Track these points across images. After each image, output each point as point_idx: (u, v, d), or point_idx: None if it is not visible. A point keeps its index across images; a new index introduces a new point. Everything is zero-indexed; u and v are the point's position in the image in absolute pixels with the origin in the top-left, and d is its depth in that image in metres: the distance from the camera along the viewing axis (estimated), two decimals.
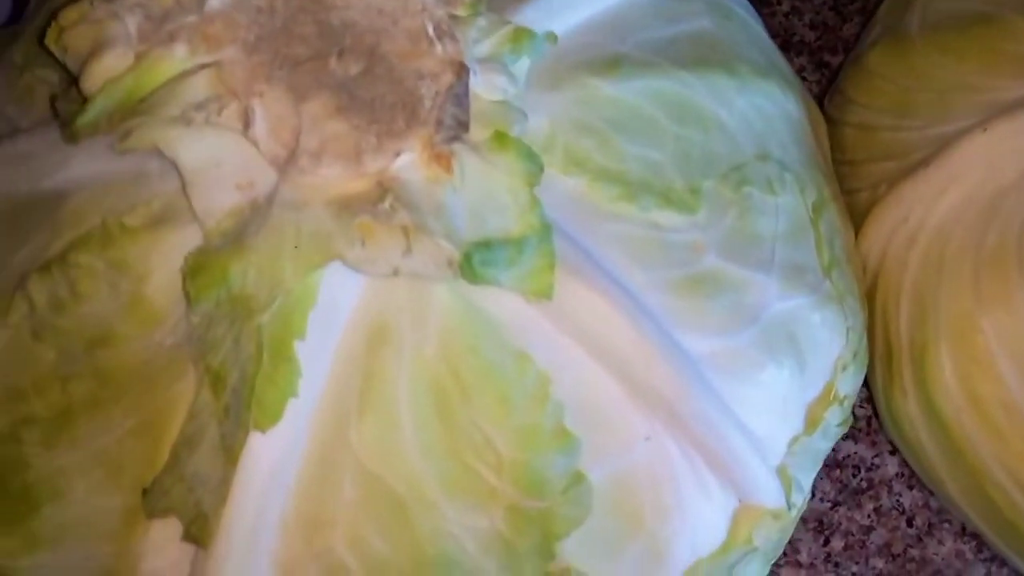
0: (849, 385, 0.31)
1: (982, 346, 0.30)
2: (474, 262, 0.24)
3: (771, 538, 0.30)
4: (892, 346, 0.34)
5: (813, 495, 0.43)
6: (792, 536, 0.41)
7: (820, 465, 0.33)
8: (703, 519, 0.28)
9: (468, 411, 0.25)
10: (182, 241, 0.25)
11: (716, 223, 0.28)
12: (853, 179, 0.37)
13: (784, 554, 0.41)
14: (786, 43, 0.52)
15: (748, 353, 0.28)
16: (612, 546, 0.27)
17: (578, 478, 0.25)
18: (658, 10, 0.31)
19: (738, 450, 0.27)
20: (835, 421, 0.31)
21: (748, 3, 0.36)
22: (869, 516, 0.43)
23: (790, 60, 0.50)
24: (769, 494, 0.28)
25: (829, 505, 0.43)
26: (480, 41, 0.27)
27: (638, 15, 0.31)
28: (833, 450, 0.43)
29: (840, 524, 0.43)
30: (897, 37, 0.37)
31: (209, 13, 0.25)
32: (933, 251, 0.32)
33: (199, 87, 0.25)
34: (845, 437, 0.43)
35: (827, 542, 0.43)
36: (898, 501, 0.43)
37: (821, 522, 0.43)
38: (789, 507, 0.29)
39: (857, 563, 0.42)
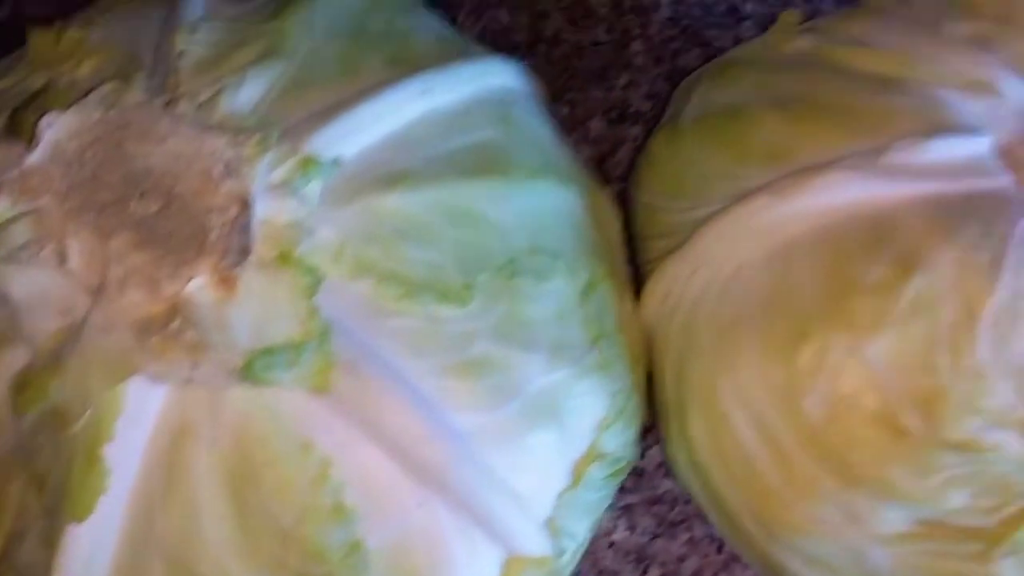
0: (616, 441, 0.37)
1: (721, 407, 0.36)
2: (255, 368, 0.30)
3: None
4: (665, 402, 0.40)
5: (633, 530, 0.49)
6: (613, 568, 0.47)
7: (597, 511, 0.39)
8: (474, 571, 0.34)
9: (258, 494, 0.31)
10: (12, 361, 0.31)
11: (488, 312, 0.34)
12: (643, 252, 0.44)
13: None
14: (623, 115, 0.58)
15: (513, 424, 0.34)
16: None
17: (356, 546, 0.31)
18: (446, 125, 0.37)
19: (502, 509, 0.33)
20: (601, 475, 0.37)
21: (535, 108, 0.42)
22: (683, 546, 0.49)
23: (626, 130, 0.56)
24: (534, 545, 0.35)
25: (648, 538, 0.49)
26: (273, 170, 0.33)
27: (428, 131, 0.36)
28: (653, 487, 0.50)
29: (657, 555, 0.49)
30: (675, 124, 0.43)
31: (27, 169, 0.31)
32: (687, 323, 0.38)
33: (22, 231, 0.31)
34: (666, 475, 0.49)
35: (645, 571, 0.49)
36: (709, 531, 0.49)
37: (640, 554, 0.49)
38: (559, 553, 0.35)
39: None
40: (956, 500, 0.33)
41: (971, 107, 0.38)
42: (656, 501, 0.50)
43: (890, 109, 0.37)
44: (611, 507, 0.49)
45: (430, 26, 0.42)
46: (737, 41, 0.60)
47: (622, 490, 0.50)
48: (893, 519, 0.34)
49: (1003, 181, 0.36)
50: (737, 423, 0.36)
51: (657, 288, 0.40)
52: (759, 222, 0.37)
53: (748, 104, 0.40)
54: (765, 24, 0.60)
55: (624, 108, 0.59)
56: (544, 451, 0.35)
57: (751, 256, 0.37)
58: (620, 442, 0.38)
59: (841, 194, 0.36)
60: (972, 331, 0.33)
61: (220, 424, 0.31)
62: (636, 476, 0.50)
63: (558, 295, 0.36)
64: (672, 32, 0.61)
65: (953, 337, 0.33)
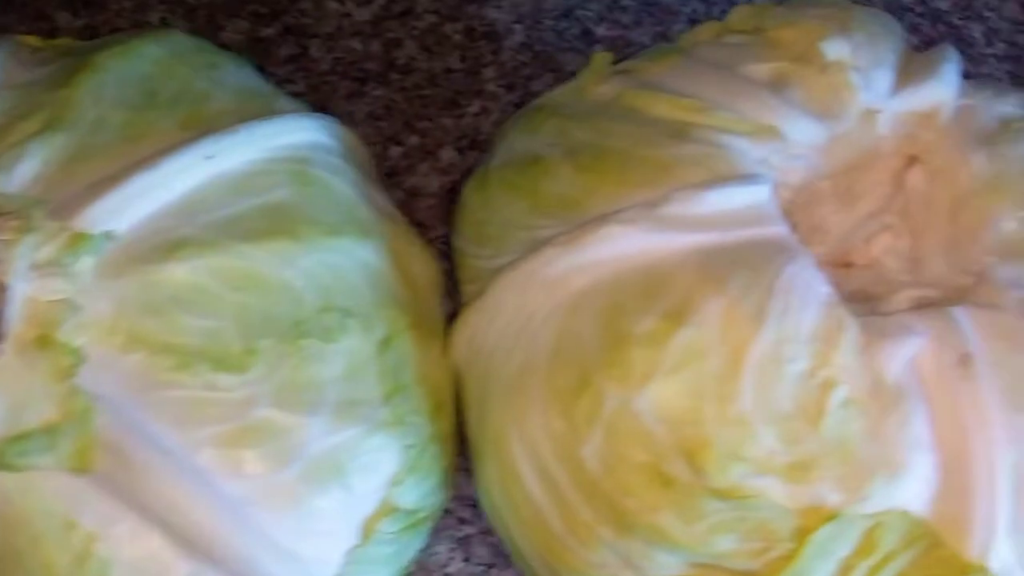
0: (411, 495, 0.38)
1: (510, 455, 0.38)
2: (8, 455, 0.31)
3: None
4: (470, 446, 0.41)
5: (468, 560, 0.50)
6: None
7: (399, 562, 0.40)
8: None
9: (23, 572, 0.32)
10: None
11: (271, 377, 0.35)
12: (462, 295, 0.45)
13: None
14: (474, 142, 0.60)
15: (293, 488, 0.35)
16: None
17: None
18: (235, 187, 0.38)
19: (280, 574, 0.34)
20: (394, 528, 0.38)
21: (341, 163, 0.42)
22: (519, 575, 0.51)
23: (477, 159, 0.57)
24: None
25: (483, 568, 0.50)
26: (40, 249, 0.33)
27: (213, 195, 0.37)
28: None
29: None
30: (484, 169, 0.44)
31: None
32: (484, 371, 0.40)
33: None
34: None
35: None
36: None
37: None
38: None
39: None
40: (723, 544, 0.34)
41: (755, 153, 0.40)
42: (491, 531, 0.51)
43: (674, 158, 0.39)
44: (449, 539, 0.50)
45: (233, 85, 0.42)
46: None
47: (460, 521, 0.51)
48: (667, 563, 0.35)
49: (777, 229, 0.37)
50: (524, 471, 0.37)
51: (461, 335, 0.41)
52: (547, 274, 0.38)
53: (545, 153, 0.42)
54: (617, 47, 0.62)
55: (475, 136, 0.60)
56: (328, 512, 0.36)
57: (540, 307, 0.38)
58: (416, 495, 0.39)
59: (620, 246, 0.37)
60: (737, 380, 0.34)
61: None
62: (472, 508, 0.51)
63: (350, 352, 0.37)
64: (525, 58, 0.62)
65: (719, 387, 0.34)
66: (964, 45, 0.64)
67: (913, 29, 0.64)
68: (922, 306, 0.40)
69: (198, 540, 0.33)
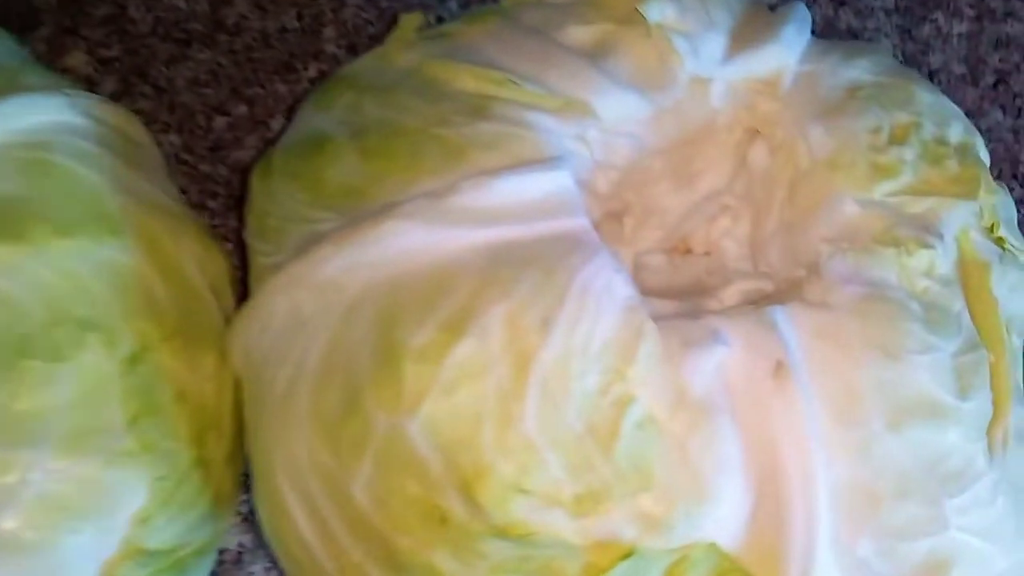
0: (165, 533, 0.34)
1: (277, 484, 0.33)
2: None
3: None
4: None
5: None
6: None
7: None
8: None
9: None
10: None
11: None
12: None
13: None
14: None
15: (14, 536, 0.30)
16: None
17: None
18: None
19: None
20: (142, 572, 0.33)
21: (92, 148, 0.37)
22: None
23: None
24: None
25: None
26: None
27: None
28: None
29: None
30: (269, 153, 0.39)
31: None
32: (255, 387, 0.35)
33: None
34: None
35: None
36: None
37: None
38: None
39: None
40: None
41: (564, 131, 0.35)
42: None
43: (468, 140, 0.34)
44: (263, 559, 0.46)
45: None
46: (440, 21, 0.56)
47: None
48: None
49: (576, 222, 0.33)
50: (292, 506, 0.33)
51: (236, 345, 0.36)
52: (320, 275, 0.34)
53: (333, 133, 0.37)
54: (471, 2, 0.57)
55: None
56: (58, 561, 0.31)
57: (313, 313, 0.34)
58: (172, 532, 0.34)
59: (399, 243, 0.33)
60: (520, 400, 0.30)
61: None
62: None
63: (86, 372, 0.33)
64: (369, 15, 0.57)
65: (500, 408, 0.30)
66: None
67: None
68: (753, 301, 0.36)
69: None
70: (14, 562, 0.31)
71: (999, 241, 0.37)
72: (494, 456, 0.30)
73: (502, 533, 0.30)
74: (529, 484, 0.30)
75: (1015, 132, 0.56)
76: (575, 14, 0.39)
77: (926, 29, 0.60)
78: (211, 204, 0.51)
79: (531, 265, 0.32)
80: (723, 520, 0.31)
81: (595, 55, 0.37)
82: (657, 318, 0.33)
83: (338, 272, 0.33)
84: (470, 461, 0.30)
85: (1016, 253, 0.37)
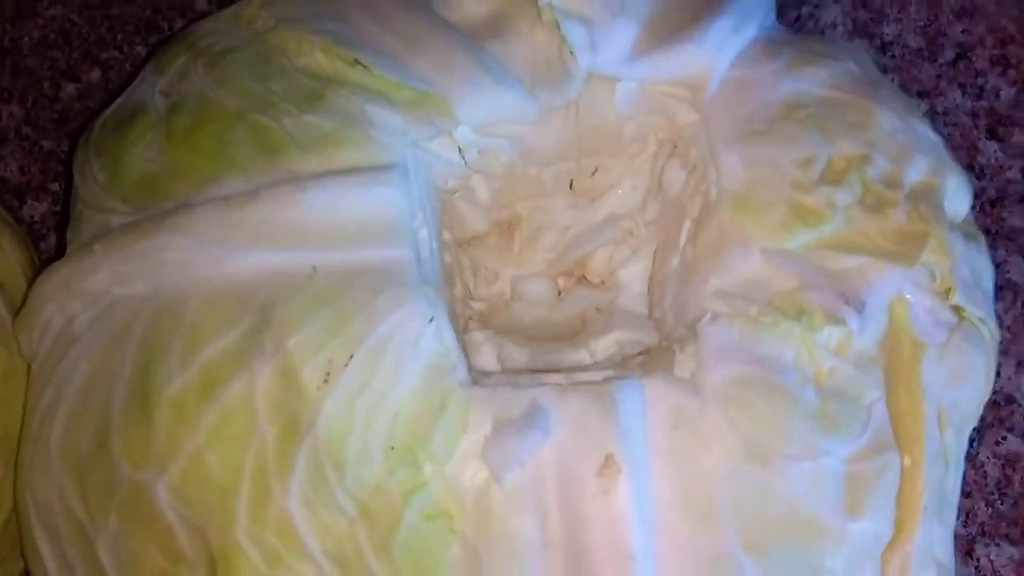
0: None
1: (29, 530, 0.30)
2: None
3: None
4: None
5: None
6: None
7: None
8: None
9: None
10: None
11: None
12: None
13: None
14: None
15: None
16: None
17: None
18: None
19: None
20: None
21: None
22: None
23: None
24: None
25: None
26: None
27: None
28: None
29: None
30: (93, 122, 0.35)
31: None
32: (27, 409, 0.31)
33: None
34: None
35: None
36: None
37: None
38: None
39: None
40: None
41: (409, 132, 0.31)
42: None
43: (289, 134, 0.30)
44: None
45: None
46: None
47: None
48: None
49: (397, 251, 0.29)
50: (42, 545, 0.29)
51: (24, 352, 0.33)
52: (91, 285, 0.30)
53: (149, 105, 0.32)
54: None
55: None
56: None
57: (82, 329, 0.30)
58: None
59: (181, 259, 0.29)
60: (284, 471, 0.26)
61: None
62: None
63: None
64: None
65: (259, 479, 0.26)
66: None
67: None
68: (627, 357, 0.32)
69: None
70: None
71: (956, 310, 0.32)
72: (247, 536, 0.26)
73: None
74: (287, 573, 0.26)
75: (974, 115, 0.48)
76: None
77: None
78: (53, 187, 0.47)
79: (326, 304, 0.27)
80: None
81: (482, 36, 0.32)
82: (492, 372, 0.28)
83: (111, 282, 0.29)
84: (220, 541, 0.26)
85: (977, 324, 0.32)
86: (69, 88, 0.49)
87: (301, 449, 0.26)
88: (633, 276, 0.35)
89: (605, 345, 0.32)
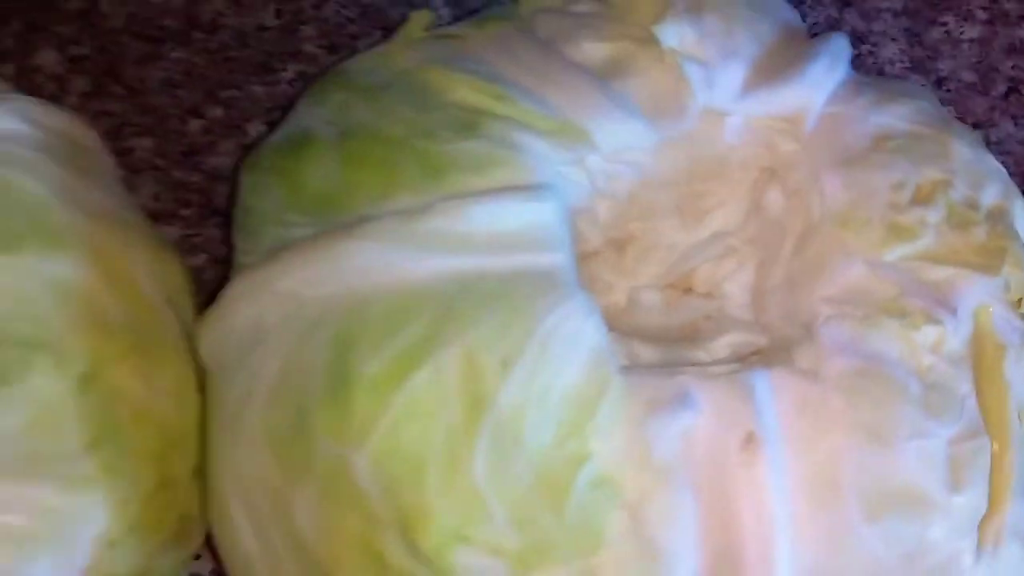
0: (131, 557, 0.34)
1: (226, 498, 0.34)
2: None
3: None
4: None
5: None
6: None
7: None
8: None
9: None
10: None
11: None
12: None
13: None
14: (287, 114, 0.54)
15: None
16: None
17: None
18: None
19: None
20: None
21: (36, 156, 0.37)
22: None
23: None
24: None
25: None
26: None
27: None
28: None
29: None
30: (259, 148, 0.40)
31: None
32: (216, 393, 0.36)
33: None
34: None
35: None
36: None
37: None
38: None
39: None
40: None
41: (553, 158, 0.35)
42: None
43: (452, 157, 0.34)
44: None
45: None
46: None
47: None
48: None
49: (555, 257, 0.33)
50: (238, 519, 0.33)
51: (204, 349, 0.37)
52: (283, 285, 0.34)
53: (319, 133, 0.37)
54: (461, 2, 0.56)
55: (290, 108, 0.54)
56: None
57: (273, 323, 0.34)
58: (139, 557, 0.34)
59: (366, 262, 0.33)
60: (470, 444, 0.30)
61: None
62: None
63: (37, 395, 0.32)
64: (351, 13, 0.57)
65: (449, 451, 0.30)
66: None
67: None
68: (742, 356, 0.36)
69: None
70: None
71: None
72: (438, 500, 0.30)
73: None
74: (472, 533, 0.30)
75: None
76: (593, 28, 0.39)
77: (935, 33, 0.58)
78: (184, 212, 0.51)
79: (498, 301, 0.32)
80: None
81: (606, 74, 0.37)
82: (632, 366, 0.32)
83: (301, 284, 0.33)
84: (413, 503, 0.30)
85: None
86: (195, 123, 0.54)
87: (485, 425, 0.30)
88: (736, 287, 0.39)
89: (720, 346, 0.37)
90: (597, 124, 0.35)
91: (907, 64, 0.58)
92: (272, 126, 0.51)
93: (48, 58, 0.55)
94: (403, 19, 0.54)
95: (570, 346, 0.31)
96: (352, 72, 0.40)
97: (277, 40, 0.56)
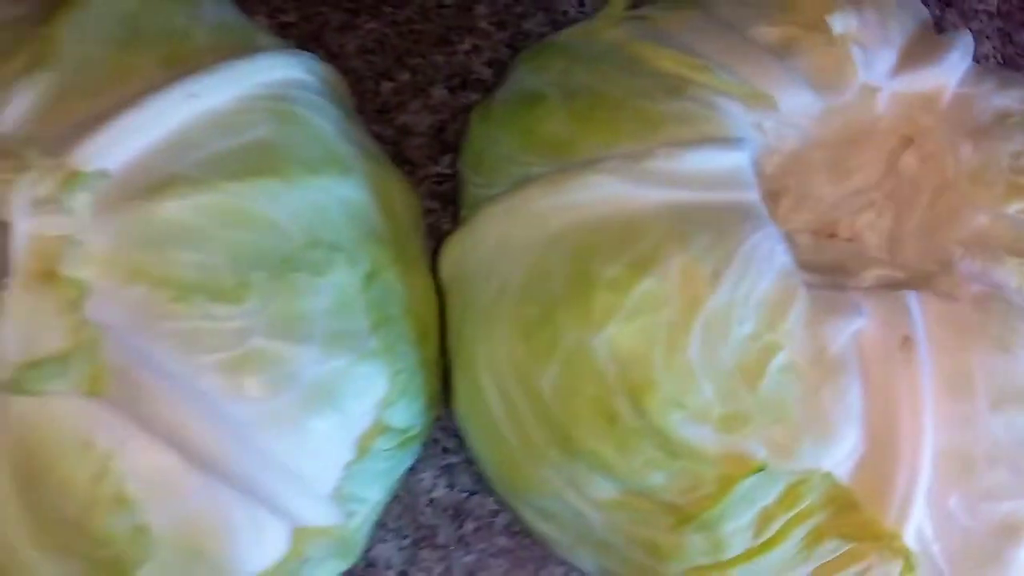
0: (401, 415, 0.43)
1: (477, 373, 0.43)
2: (23, 380, 0.34)
3: (329, 546, 0.42)
4: (449, 362, 0.46)
5: (452, 488, 0.56)
6: (430, 522, 0.54)
7: (392, 476, 0.45)
8: (258, 543, 0.39)
9: (46, 490, 0.36)
10: None
11: (263, 309, 0.38)
12: (460, 218, 0.49)
13: (424, 537, 0.55)
14: (464, 81, 0.63)
15: (290, 411, 0.39)
16: (180, 572, 0.38)
17: (141, 530, 0.36)
18: (219, 125, 0.40)
19: (282, 487, 0.39)
20: (387, 446, 0.43)
21: (323, 100, 0.46)
22: (497, 502, 0.56)
23: (467, 98, 0.61)
24: (318, 516, 0.40)
25: (466, 495, 0.56)
26: (36, 186, 0.36)
27: (200, 132, 0.39)
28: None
29: (473, 510, 0.56)
30: (488, 101, 0.49)
31: None
32: (463, 293, 0.45)
33: None
34: None
35: (461, 526, 0.56)
36: None
37: (457, 510, 0.56)
38: (347, 518, 0.42)
39: (485, 541, 0.56)
40: (655, 479, 0.39)
41: (746, 117, 0.44)
42: (474, 461, 0.57)
43: (664, 114, 0.43)
44: (433, 468, 0.56)
45: (213, 20, 0.44)
46: (581, 3, 0.65)
47: (444, 451, 0.57)
48: (604, 488, 0.41)
49: (750, 196, 0.42)
50: (489, 391, 0.42)
51: (447, 258, 0.46)
52: (529, 209, 0.43)
53: (546, 92, 0.46)
54: None
55: (466, 75, 0.63)
56: (323, 432, 0.40)
57: (519, 239, 0.43)
58: (406, 415, 0.44)
59: (600, 192, 0.42)
60: (687, 333, 0.39)
61: (6, 428, 0.36)
62: (457, 438, 0.56)
63: (337, 287, 0.41)
64: None
65: (670, 337, 0.39)
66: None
67: None
68: (886, 286, 0.45)
69: (207, 458, 0.37)
70: (290, 431, 0.39)
71: None
72: (661, 375, 0.39)
73: (660, 435, 0.39)
74: (686, 401, 0.39)
75: None
76: (765, 14, 0.47)
77: None
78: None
79: (708, 226, 0.40)
80: (840, 458, 0.39)
81: (779, 53, 0.46)
82: (807, 286, 0.41)
83: (545, 209, 0.42)
84: (641, 376, 0.39)
85: None
86: (387, 85, 0.62)
87: (698, 320, 0.39)
88: (874, 234, 0.48)
89: (867, 278, 0.45)
90: (779, 91, 0.44)
91: (1000, 60, 0.67)
92: (452, 90, 0.62)
93: (260, 24, 0.62)
94: (562, 2, 0.63)
95: (765, 263, 0.40)
96: (565, 45, 0.49)
97: (454, 16, 0.64)
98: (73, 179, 0.36)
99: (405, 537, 0.56)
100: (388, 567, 0.55)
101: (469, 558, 0.56)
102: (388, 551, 0.55)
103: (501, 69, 0.62)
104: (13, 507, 0.36)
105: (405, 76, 0.63)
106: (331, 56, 0.62)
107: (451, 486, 0.57)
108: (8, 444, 0.36)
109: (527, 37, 0.64)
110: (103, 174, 0.37)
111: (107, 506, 0.36)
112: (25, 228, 0.36)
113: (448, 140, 0.61)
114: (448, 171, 0.61)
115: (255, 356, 0.38)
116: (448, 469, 0.57)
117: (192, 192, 0.38)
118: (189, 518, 0.38)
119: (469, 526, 0.56)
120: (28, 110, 0.38)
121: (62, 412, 0.36)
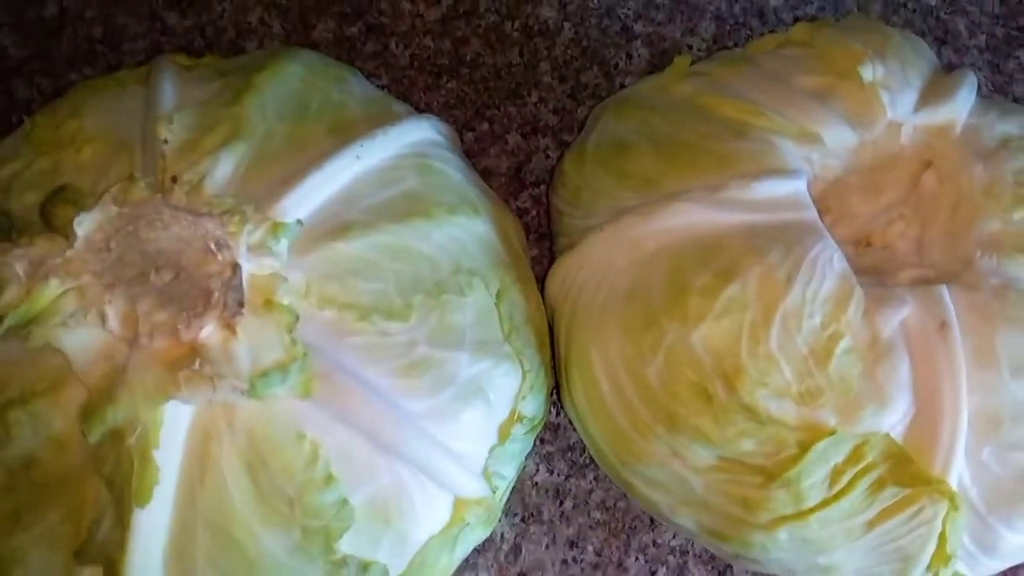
0: (531, 406, 0.52)
1: (592, 368, 0.52)
2: (257, 387, 0.41)
3: (481, 514, 0.51)
4: (559, 364, 0.56)
5: (552, 472, 0.64)
6: (535, 502, 0.63)
7: (522, 457, 0.54)
8: (430, 512, 0.48)
9: (268, 474, 0.43)
10: (73, 397, 0.42)
11: (424, 324, 0.47)
12: (554, 245, 0.59)
13: (531, 515, 0.63)
14: (534, 128, 0.71)
15: (450, 405, 0.47)
16: (372, 539, 0.45)
17: (343, 503, 0.44)
18: (379, 180, 0.49)
19: (447, 466, 0.47)
20: (521, 431, 0.52)
21: (449, 154, 0.55)
22: (590, 483, 0.65)
23: (538, 142, 0.69)
24: (473, 489, 0.49)
25: (563, 477, 0.65)
26: (251, 235, 0.44)
27: (364, 187, 0.48)
28: (567, 438, 0.64)
29: (571, 490, 0.65)
30: (582, 146, 0.59)
31: (68, 257, 0.42)
32: (573, 305, 0.54)
33: (69, 303, 0.41)
34: (575, 428, 0.65)
35: (561, 503, 0.65)
36: None
37: (558, 490, 0.65)
38: (494, 491, 0.51)
39: (583, 516, 0.65)
40: (746, 446, 0.49)
41: (798, 152, 0.53)
42: (568, 449, 0.66)
43: (733, 152, 0.53)
44: (534, 455, 0.65)
45: (359, 94, 0.54)
46: (629, 58, 0.73)
47: (542, 441, 0.65)
48: (703, 456, 0.50)
49: (809, 215, 0.51)
50: (601, 382, 0.52)
51: (556, 276, 0.56)
52: (628, 235, 0.52)
53: (632, 139, 0.56)
54: (653, 42, 0.74)
55: (535, 122, 0.71)
56: (475, 421, 0.48)
57: (620, 260, 0.53)
58: (534, 406, 0.53)
59: (686, 219, 0.51)
60: (767, 327, 0.49)
61: (235, 428, 0.43)
62: (552, 430, 0.65)
63: (478, 304, 0.50)
64: (574, 53, 0.73)
65: (753, 331, 0.49)
66: (950, 37, 0.75)
67: (906, 23, 0.75)
68: (919, 283, 0.54)
69: (390, 443, 0.45)
70: (451, 421, 0.47)
71: None
72: (748, 361, 0.48)
73: (748, 410, 0.48)
74: (769, 381, 0.48)
75: None
76: (806, 67, 0.57)
77: (1011, 64, 0.75)
78: None
79: (778, 241, 0.50)
80: (894, 422, 0.49)
81: (820, 97, 0.56)
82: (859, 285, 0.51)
83: (640, 234, 0.52)
84: (731, 363, 0.49)
85: None
86: (468, 135, 0.71)
87: (777, 316, 0.49)
88: (903, 242, 0.58)
89: (902, 277, 0.55)
90: (824, 129, 0.54)
91: (990, 87, 0.76)
92: (524, 136, 0.70)
93: None
94: (612, 57, 0.71)
95: (827, 268, 0.49)
96: (640, 98, 0.58)
97: (522, 73, 0.72)
98: (278, 229, 0.44)
99: (515, 515, 0.65)
100: (504, 541, 0.64)
101: (570, 530, 0.65)
102: (502, 527, 0.64)
103: (565, 116, 0.71)
104: (248, 495, 0.43)
105: (484, 126, 0.71)
106: (420, 112, 0.71)
107: (551, 471, 0.65)
108: (240, 443, 0.43)
109: (585, 88, 0.72)
110: (298, 223, 0.46)
111: (318, 485, 0.44)
112: (248, 268, 0.44)
113: (524, 179, 0.70)
114: (527, 204, 0.70)
115: (421, 362, 0.47)
116: (547, 457, 0.65)
117: (364, 234, 0.47)
118: (379, 492, 0.46)
119: (568, 504, 0.65)
120: (231, 173, 0.47)
121: (279, 412, 0.43)
